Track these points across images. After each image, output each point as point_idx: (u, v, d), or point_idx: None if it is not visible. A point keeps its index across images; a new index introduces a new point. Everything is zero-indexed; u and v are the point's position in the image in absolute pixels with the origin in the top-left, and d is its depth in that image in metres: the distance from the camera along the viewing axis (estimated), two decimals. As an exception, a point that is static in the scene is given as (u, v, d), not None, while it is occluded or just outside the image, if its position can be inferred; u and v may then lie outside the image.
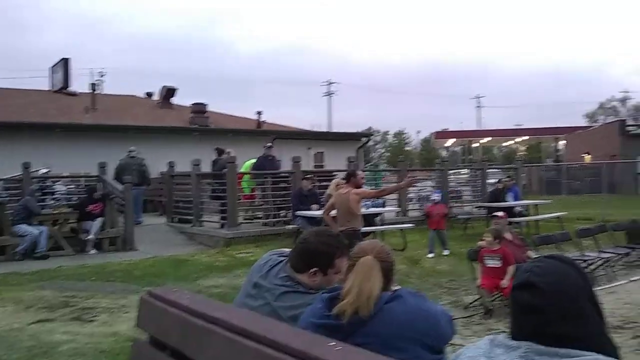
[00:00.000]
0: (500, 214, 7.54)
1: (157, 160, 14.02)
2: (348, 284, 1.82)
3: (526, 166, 29.05)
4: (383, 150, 76.12)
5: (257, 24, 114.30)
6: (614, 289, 7.63)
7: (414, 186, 11.90)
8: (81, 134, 17.01)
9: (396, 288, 2.01)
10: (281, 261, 2.27)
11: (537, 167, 31.89)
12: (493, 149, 55.02)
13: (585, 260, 8.02)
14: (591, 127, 41.15)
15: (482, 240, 6.73)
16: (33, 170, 11.23)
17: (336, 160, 18.05)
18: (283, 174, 11.79)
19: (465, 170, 17.13)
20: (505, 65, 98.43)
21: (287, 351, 1.30)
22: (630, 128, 28.36)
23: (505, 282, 6.13)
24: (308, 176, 10.47)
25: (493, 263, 6.41)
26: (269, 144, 12.47)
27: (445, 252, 9.53)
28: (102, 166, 11.85)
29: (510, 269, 6.21)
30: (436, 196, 10.51)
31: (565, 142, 37.48)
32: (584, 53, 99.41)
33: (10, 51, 78.81)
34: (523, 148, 50.68)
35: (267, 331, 1.45)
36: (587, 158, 29.98)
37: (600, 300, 1.32)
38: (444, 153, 58.73)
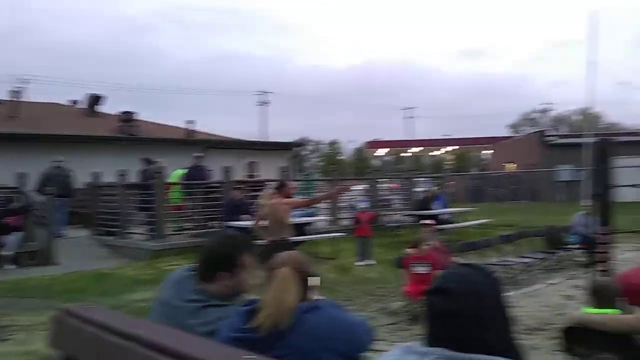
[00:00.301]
0: (428, 221, 7.75)
1: (83, 171, 13.48)
2: (265, 297, 1.82)
3: (453, 175, 30.08)
4: (317, 160, 76.67)
5: (189, 32, 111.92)
6: (533, 293, 8.01)
7: (343, 195, 12.05)
8: (1, 143, 16.11)
9: (316, 298, 2.03)
10: (190, 276, 2.20)
11: (464, 176, 33.07)
12: (423, 158, 56.53)
13: (506, 265, 8.40)
14: (514, 137, 43.12)
15: (410, 247, 6.89)
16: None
17: (269, 170, 18.02)
18: (214, 184, 11.63)
19: (387, 180, 17.40)
20: (435, 76, 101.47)
21: None
22: (549, 138, 29.92)
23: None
24: (239, 186, 10.38)
25: (422, 269, 6.55)
26: (199, 154, 12.29)
27: (369, 262, 9.68)
28: (22, 177, 11.27)
29: (436, 275, 6.37)
30: (364, 204, 10.70)
31: (491, 151, 39.08)
32: (508, 65, 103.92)
33: None
34: (451, 157, 52.39)
35: (185, 346, 1.41)
36: (511, 167, 31.37)
37: (511, 307, 1.37)
38: (376, 162, 59.88)
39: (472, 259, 8.78)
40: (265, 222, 6.50)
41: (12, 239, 9.50)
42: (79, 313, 1.93)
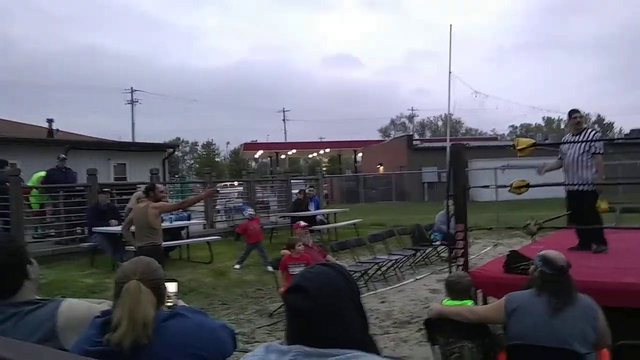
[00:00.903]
0: (301, 223, 7.84)
1: None
2: (118, 313, 1.72)
3: (327, 177, 30.86)
4: (192, 162, 74.93)
5: (47, 23, 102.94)
6: (402, 288, 8.44)
7: (215, 196, 11.84)
8: None
9: (175, 304, 2.01)
10: None
11: (338, 178, 34.05)
12: (299, 161, 57.38)
13: (376, 263, 8.76)
14: (384, 141, 45.18)
15: (285, 249, 6.94)
16: None
17: (140, 173, 17.23)
18: (78, 188, 10.91)
19: (263, 182, 17.31)
20: (309, 80, 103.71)
21: None
22: (415, 142, 31.75)
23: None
24: (105, 189, 9.83)
25: (298, 270, 6.62)
26: (63, 156, 11.50)
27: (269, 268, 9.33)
28: None
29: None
30: (250, 212, 10.43)
31: (361, 154, 40.57)
32: (378, 72, 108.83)
33: None
34: (326, 160, 53.71)
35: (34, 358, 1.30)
36: (381, 169, 32.82)
37: (365, 304, 1.44)
38: (253, 164, 59.72)
39: (345, 257, 9.06)
40: (133, 227, 6.22)
41: None
42: None
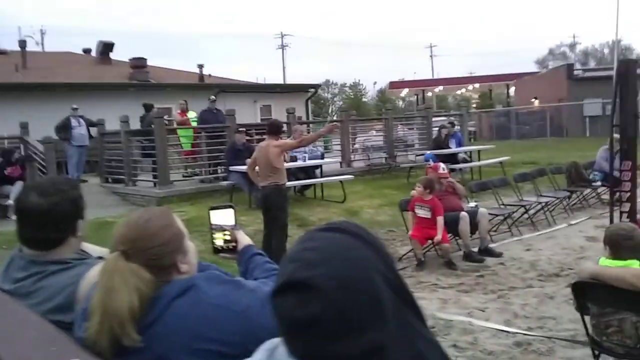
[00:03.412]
0: (430, 164, 7.31)
1: (94, 118, 13.19)
2: (93, 299, 1.23)
3: (474, 112, 29.12)
4: (341, 103, 75.53)
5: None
6: (553, 234, 7.54)
7: (336, 131, 11.46)
8: (9, 93, 15.90)
9: (232, 238, 1.57)
10: (21, 253, 1.66)
11: (487, 113, 32.04)
12: (447, 98, 55.07)
13: (523, 206, 7.89)
14: (539, 72, 41.41)
15: (414, 189, 6.50)
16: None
17: (284, 113, 17.54)
18: (220, 128, 11.26)
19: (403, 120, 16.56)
20: (456, 14, 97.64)
21: None
22: (577, 72, 28.62)
23: (438, 236, 6.04)
24: (241, 129, 9.96)
25: (423, 213, 6.23)
26: (213, 97, 12.02)
27: None
28: (24, 126, 11.03)
29: (439, 220, 6.04)
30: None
31: (514, 88, 37.71)
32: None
33: None
34: (476, 96, 50.90)
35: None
36: (536, 103, 30.21)
37: (408, 286, 0.87)
38: (400, 103, 58.60)
39: (486, 199, 8.28)
40: (258, 167, 6.12)
41: (14, 189, 9.31)
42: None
